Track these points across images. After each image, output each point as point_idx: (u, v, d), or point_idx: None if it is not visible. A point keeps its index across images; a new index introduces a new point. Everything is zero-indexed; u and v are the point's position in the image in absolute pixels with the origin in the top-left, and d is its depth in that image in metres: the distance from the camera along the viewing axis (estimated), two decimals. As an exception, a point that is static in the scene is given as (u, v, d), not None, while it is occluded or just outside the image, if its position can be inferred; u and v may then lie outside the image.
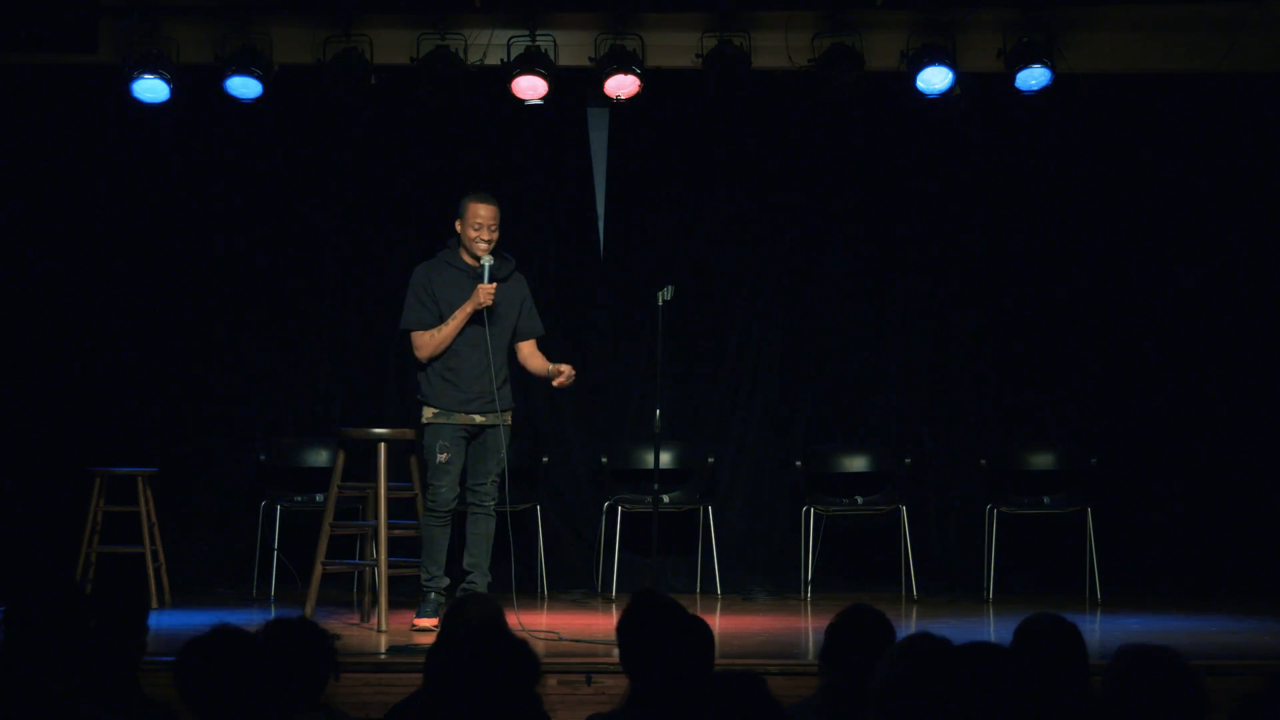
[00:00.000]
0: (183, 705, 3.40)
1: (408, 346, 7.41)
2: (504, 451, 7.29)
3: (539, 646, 6.73)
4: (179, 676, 3.37)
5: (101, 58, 8.43)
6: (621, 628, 3.79)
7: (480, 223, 7.25)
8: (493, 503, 7.33)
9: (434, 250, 7.32)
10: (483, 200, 7.30)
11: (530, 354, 7.48)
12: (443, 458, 7.22)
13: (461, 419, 7.27)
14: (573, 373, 7.33)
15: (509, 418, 7.36)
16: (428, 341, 7.27)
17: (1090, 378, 9.34)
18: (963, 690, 2.91)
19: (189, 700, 3.36)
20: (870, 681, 3.27)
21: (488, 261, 7.22)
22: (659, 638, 3.68)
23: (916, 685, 2.98)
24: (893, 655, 3.23)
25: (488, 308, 7.18)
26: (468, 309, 7.20)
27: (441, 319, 7.25)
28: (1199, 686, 3.27)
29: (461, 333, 7.23)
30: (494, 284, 7.21)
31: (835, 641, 3.90)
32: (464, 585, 7.28)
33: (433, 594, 7.28)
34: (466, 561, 7.34)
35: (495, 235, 7.28)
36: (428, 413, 7.30)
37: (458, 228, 7.32)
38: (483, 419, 7.28)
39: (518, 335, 7.44)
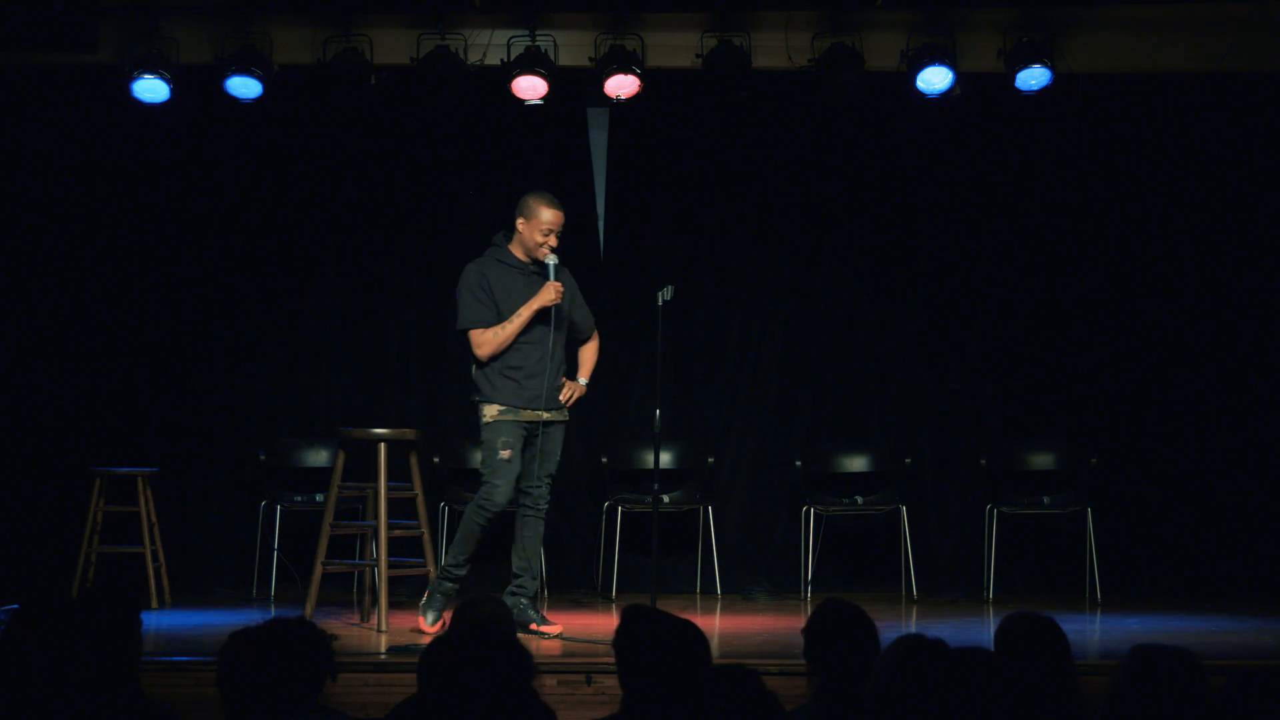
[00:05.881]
0: (221, 698, 3.47)
1: (465, 346, 7.17)
2: (559, 453, 7.22)
3: (539, 646, 6.74)
4: (221, 668, 3.50)
5: (101, 58, 8.44)
6: (617, 643, 3.80)
7: (549, 228, 7.09)
8: (546, 505, 7.23)
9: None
10: (554, 206, 7.13)
11: (589, 353, 7.45)
12: (505, 455, 7.02)
13: (527, 415, 7.10)
14: (575, 392, 7.28)
15: (567, 415, 7.26)
16: (490, 339, 7.08)
17: (1090, 378, 9.35)
18: (955, 694, 2.91)
19: (225, 694, 3.43)
20: (862, 681, 3.27)
21: (553, 261, 7.11)
22: (653, 647, 3.68)
23: (911, 688, 2.99)
24: (886, 658, 3.23)
25: (555, 306, 7.07)
26: (534, 305, 7.05)
27: (501, 317, 7.10)
28: (1206, 686, 3.27)
29: (525, 329, 7.11)
30: (560, 283, 7.11)
31: (816, 639, 3.93)
32: (513, 588, 7.17)
33: (445, 586, 7.18)
34: (516, 564, 7.20)
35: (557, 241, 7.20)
36: (490, 410, 7.08)
37: (519, 226, 7.12)
38: (548, 415, 7.16)
39: (578, 331, 7.37)
